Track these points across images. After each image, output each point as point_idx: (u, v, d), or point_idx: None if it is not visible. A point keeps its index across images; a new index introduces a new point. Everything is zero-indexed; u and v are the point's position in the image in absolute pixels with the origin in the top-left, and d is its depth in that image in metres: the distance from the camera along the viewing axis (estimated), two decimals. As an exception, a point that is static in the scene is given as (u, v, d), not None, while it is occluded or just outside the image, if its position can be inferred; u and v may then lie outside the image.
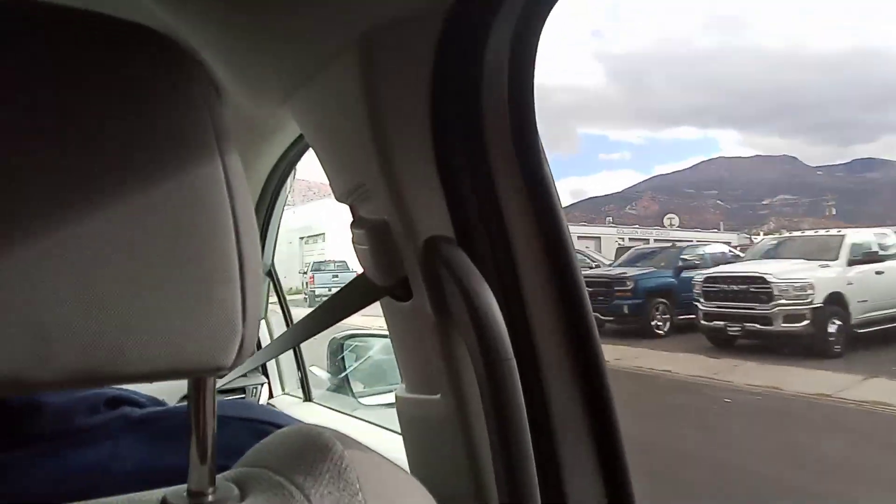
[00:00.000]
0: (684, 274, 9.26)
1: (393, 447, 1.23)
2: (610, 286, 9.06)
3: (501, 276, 0.71)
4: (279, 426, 0.66)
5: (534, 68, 0.72)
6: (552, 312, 0.72)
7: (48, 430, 0.54)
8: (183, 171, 0.36)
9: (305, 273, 18.18)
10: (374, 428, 1.60)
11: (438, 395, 0.73)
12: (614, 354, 7.29)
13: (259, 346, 1.72)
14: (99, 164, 0.34)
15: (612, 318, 8.80)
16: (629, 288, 9.07)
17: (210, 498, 0.42)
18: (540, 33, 0.69)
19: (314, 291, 15.17)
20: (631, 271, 9.71)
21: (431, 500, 0.51)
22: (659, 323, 8.96)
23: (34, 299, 0.31)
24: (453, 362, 0.70)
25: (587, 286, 0.74)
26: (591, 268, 12.08)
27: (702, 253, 10.52)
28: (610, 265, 12.15)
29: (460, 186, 0.71)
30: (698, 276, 8.49)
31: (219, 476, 0.44)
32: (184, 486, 0.42)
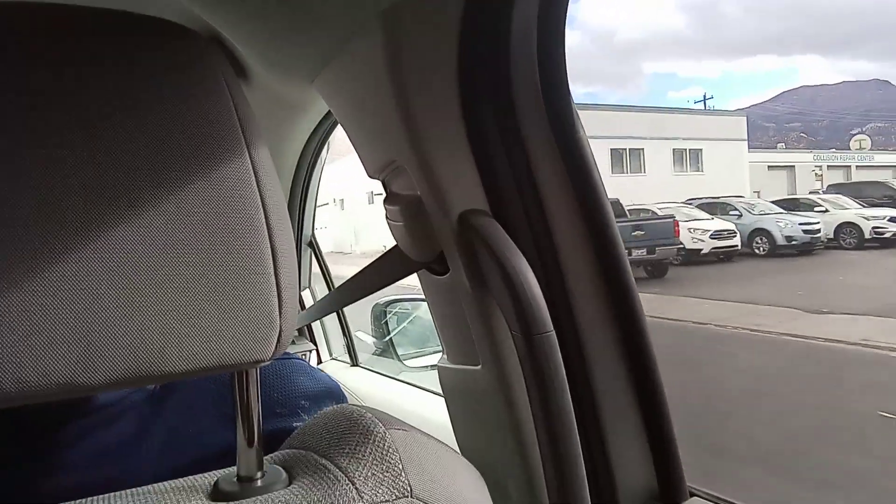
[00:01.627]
0: None
1: (436, 410, 1.26)
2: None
3: (539, 248, 0.71)
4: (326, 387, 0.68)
5: (564, 31, 0.69)
6: (592, 282, 0.71)
7: (73, 412, 0.55)
8: (210, 166, 0.36)
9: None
10: (417, 391, 1.64)
11: (479, 366, 0.74)
12: None
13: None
14: (127, 166, 0.34)
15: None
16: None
17: (259, 483, 0.43)
18: None
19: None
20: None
21: (478, 476, 0.52)
22: None
23: (77, 307, 0.33)
24: (493, 334, 0.70)
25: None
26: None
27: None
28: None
29: (492, 158, 0.70)
30: None
31: (267, 459, 0.45)
32: (233, 471, 0.44)
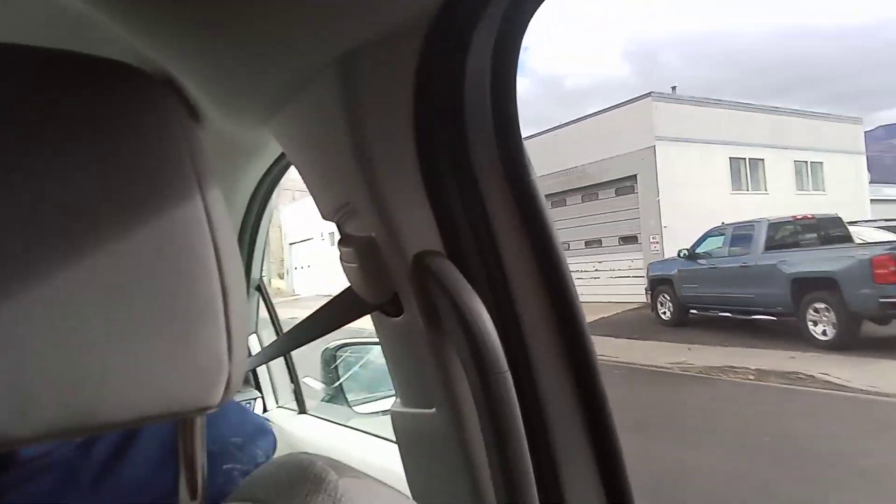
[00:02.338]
0: None
1: (388, 457, 1.23)
2: None
3: (493, 289, 0.71)
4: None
5: (515, 77, 0.72)
6: (545, 321, 0.72)
7: (4, 460, 0.52)
8: (161, 208, 0.35)
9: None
10: (368, 437, 1.60)
11: (433, 409, 0.73)
12: None
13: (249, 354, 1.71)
14: (73, 206, 0.33)
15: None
16: None
17: None
18: (520, 44, 0.69)
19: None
20: None
21: None
22: None
23: (9, 350, 0.30)
24: (447, 376, 0.69)
25: None
26: None
27: None
28: None
29: (447, 200, 0.71)
30: None
31: None
32: None
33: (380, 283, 0.73)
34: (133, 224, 0.34)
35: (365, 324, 0.86)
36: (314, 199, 0.81)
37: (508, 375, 0.62)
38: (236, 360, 0.37)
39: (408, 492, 0.82)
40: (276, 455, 0.68)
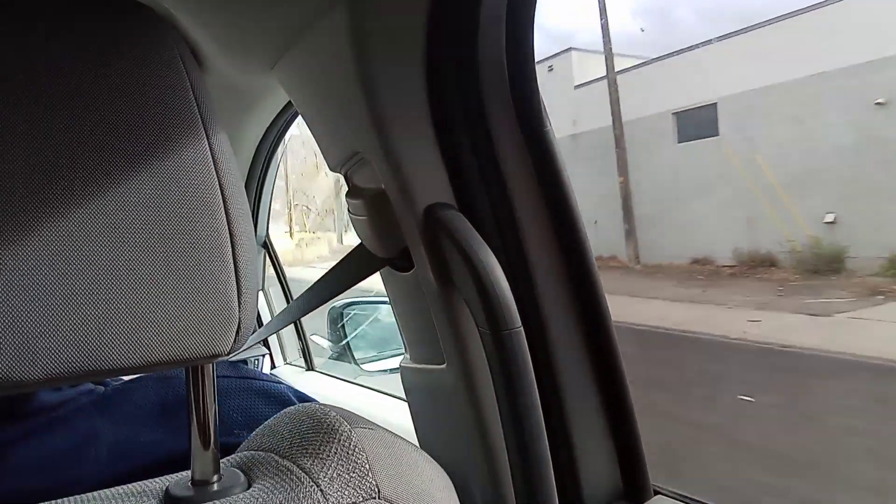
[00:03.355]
0: None
1: (395, 413, 1.24)
2: None
3: (505, 243, 0.69)
4: (281, 393, 0.65)
5: (532, 23, 0.69)
6: (559, 278, 0.70)
7: (9, 412, 0.51)
8: (166, 151, 0.34)
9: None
10: (375, 394, 1.61)
11: (444, 365, 0.72)
12: None
13: (259, 319, 1.71)
14: (75, 148, 0.32)
15: None
16: None
17: (215, 486, 0.40)
18: None
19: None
20: None
21: (444, 476, 0.50)
22: None
23: (14, 297, 0.30)
24: (459, 332, 0.68)
25: None
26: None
27: None
28: None
29: (459, 150, 0.69)
30: None
31: (223, 461, 0.43)
32: (187, 475, 0.41)
33: (390, 236, 0.71)
34: (137, 165, 0.33)
35: (370, 283, 0.85)
36: (321, 150, 0.79)
37: (521, 331, 0.61)
38: (246, 306, 0.36)
39: (418, 446, 0.82)
40: None
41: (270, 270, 1.94)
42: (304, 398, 0.65)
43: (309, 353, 1.97)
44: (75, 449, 0.51)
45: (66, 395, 0.54)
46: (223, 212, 0.35)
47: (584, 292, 0.71)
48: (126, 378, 0.60)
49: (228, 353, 0.37)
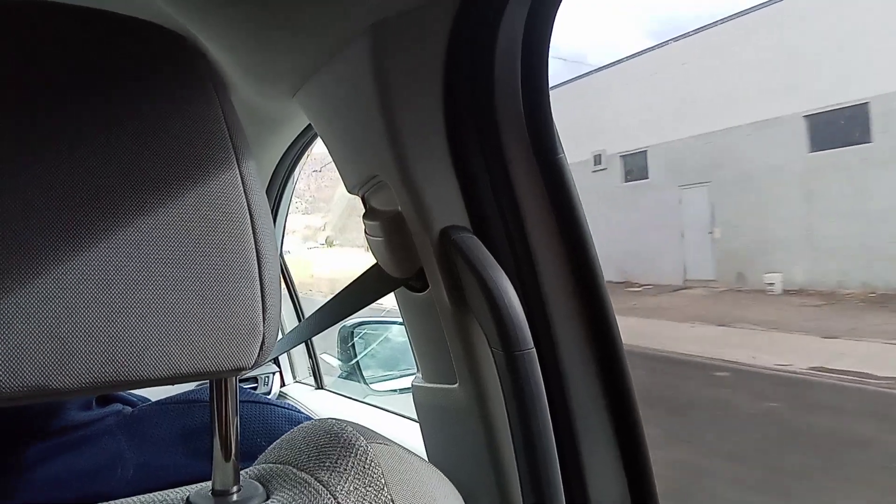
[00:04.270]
0: None
1: (405, 432, 1.24)
2: None
3: (518, 265, 0.71)
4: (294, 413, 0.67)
5: (547, 52, 0.71)
6: (570, 300, 0.72)
7: (40, 427, 0.53)
8: (198, 170, 0.36)
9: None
10: (385, 414, 1.61)
11: (456, 385, 0.73)
12: None
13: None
14: (112, 168, 0.33)
15: None
16: None
17: (235, 497, 0.42)
18: (554, 17, 0.68)
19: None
20: None
21: (456, 494, 0.51)
22: None
23: (54, 308, 0.31)
24: (472, 352, 0.69)
25: None
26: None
27: None
28: None
29: (475, 175, 0.70)
30: None
31: (242, 473, 0.44)
32: (208, 485, 0.42)
33: (406, 258, 0.73)
34: (171, 187, 0.35)
35: (381, 302, 0.86)
36: (340, 173, 0.81)
37: (534, 353, 0.62)
38: (270, 323, 0.38)
39: None
40: None
41: (283, 290, 1.96)
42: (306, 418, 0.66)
43: (319, 371, 1.98)
44: (102, 468, 0.53)
45: (93, 415, 0.55)
46: (251, 232, 0.37)
47: (595, 315, 0.72)
48: (153, 400, 0.61)
49: (253, 367, 0.38)
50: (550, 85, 0.73)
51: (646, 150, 12.27)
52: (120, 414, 0.57)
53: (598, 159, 13.06)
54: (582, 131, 12.19)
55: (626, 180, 12.84)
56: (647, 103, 11.64)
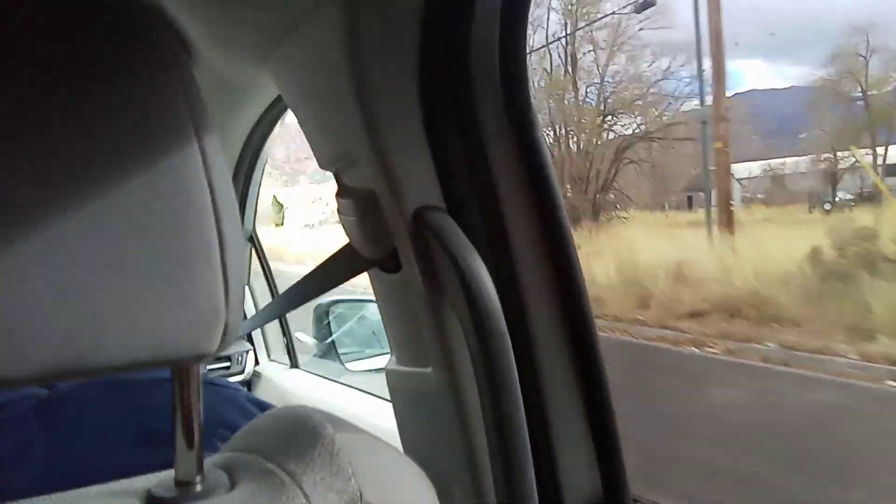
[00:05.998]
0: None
1: (380, 414, 1.23)
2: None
3: (493, 247, 0.69)
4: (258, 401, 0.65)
5: (526, 24, 0.69)
6: (545, 285, 0.70)
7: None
8: (155, 148, 0.33)
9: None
10: (361, 394, 1.60)
11: (430, 369, 0.72)
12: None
13: (243, 314, 1.70)
14: (62, 146, 0.31)
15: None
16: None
17: (198, 487, 0.40)
18: None
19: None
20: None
21: (427, 482, 0.50)
22: None
23: (4, 292, 0.29)
24: (445, 336, 0.68)
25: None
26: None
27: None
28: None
29: (450, 153, 0.68)
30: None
31: (206, 461, 0.42)
32: (170, 474, 0.41)
33: (378, 238, 0.71)
34: (124, 163, 0.32)
35: (357, 281, 0.84)
36: (311, 147, 0.78)
37: (507, 337, 0.61)
38: (233, 307, 0.36)
39: (401, 449, 0.82)
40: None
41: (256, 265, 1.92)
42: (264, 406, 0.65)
43: (293, 350, 1.96)
44: (9, 458, 0.50)
45: (3, 399, 0.52)
46: (212, 211, 0.35)
47: (569, 299, 0.71)
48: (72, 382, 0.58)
49: (215, 353, 0.37)
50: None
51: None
52: (33, 398, 0.53)
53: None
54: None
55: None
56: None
